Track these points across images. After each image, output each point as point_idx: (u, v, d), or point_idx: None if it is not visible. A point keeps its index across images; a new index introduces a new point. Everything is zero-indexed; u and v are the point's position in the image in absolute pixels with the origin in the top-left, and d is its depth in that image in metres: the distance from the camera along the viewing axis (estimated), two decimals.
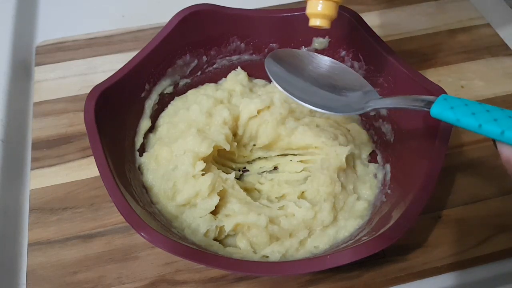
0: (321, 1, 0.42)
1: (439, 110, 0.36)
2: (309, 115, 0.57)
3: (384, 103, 0.44)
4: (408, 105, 0.40)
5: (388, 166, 0.52)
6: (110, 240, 0.50)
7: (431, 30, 0.71)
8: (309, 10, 0.42)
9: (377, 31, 0.53)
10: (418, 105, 0.38)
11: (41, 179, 0.55)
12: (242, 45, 0.59)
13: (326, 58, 0.50)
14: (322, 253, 0.46)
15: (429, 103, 0.37)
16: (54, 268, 0.48)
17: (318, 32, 0.56)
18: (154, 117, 0.56)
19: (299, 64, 0.50)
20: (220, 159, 0.55)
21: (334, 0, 0.41)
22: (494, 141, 0.33)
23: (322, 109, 0.45)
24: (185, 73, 0.58)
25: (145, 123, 0.55)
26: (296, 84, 0.48)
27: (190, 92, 0.59)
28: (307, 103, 0.45)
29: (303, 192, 0.51)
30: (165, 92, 0.57)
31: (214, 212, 0.48)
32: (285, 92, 0.46)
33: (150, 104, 0.55)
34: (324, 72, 0.49)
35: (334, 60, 0.50)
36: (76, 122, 0.60)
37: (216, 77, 0.61)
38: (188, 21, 0.54)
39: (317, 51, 0.58)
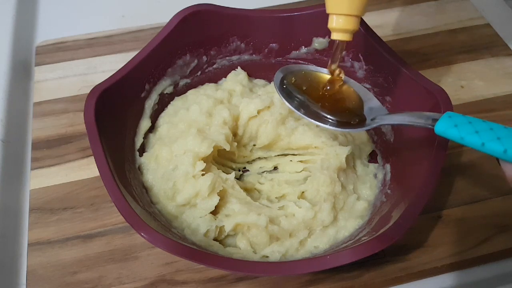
0: (342, 16, 0.42)
1: (443, 128, 0.36)
2: None
3: (391, 120, 0.44)
4: (413, 122, 0.41)
5: (388, 166, 0.52)
6: (110, 240, 0.50)
7: (431, 30, 0.71)
8: (330, 25, 0.43)
9: (377, 31, 0.53)
10: (423, 123, 0.39)
11: (41, 179, 0.55)
12: (242, 45, 0.59)
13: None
14: (322, 253, 0.46)
15: (434, 121, 0.38)
16: (54, 268, 0.48)
17: (318, 32, 0.56)
18: (154, 117, 0.56)
19: (308, 80, 0.50)
20: (220, 159, 0.55)
21: (354, 14, 0.42)
22: (498, 159, 0.34)
23: (328, 125, 0.46)
24: (185, 73, 0.58)
25: (145, 123, 0.55)
26: (304, 101, 0.49)
27: (190, 92, 0.59)
28: (315, 120, 0.46)
29: (303, 192, 0.51)
30: (165, 92, 0.57)
31: (214, 212, 0.48)
32: (295, 111, 0.47)
33: (150, 104, 0.55)
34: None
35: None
36: (76, 122, 0.60)
37: (216, 77, 0.61)
38: (188, 21, 0.54)
39: (317, 51, 0.58)
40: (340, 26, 0.42)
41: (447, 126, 0.36)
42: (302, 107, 0.48)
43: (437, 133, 0.37)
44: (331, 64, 0.47)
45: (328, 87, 0.49)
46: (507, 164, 0.33)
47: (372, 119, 0.46)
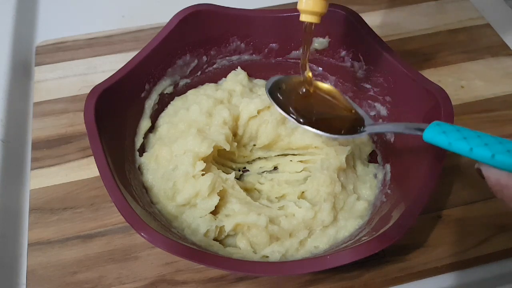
0: None
1: (432, 134, 0.37)
2: None
3: (378, 129, 0.47)
4: (401, 131, 0.42)
5: (388, 166, 0.52)
6: (110, 240, 0.50)
7: (431, 30, 0.71)
8: (299, 6, 0.44)
9: (377, 31, 0.53)
10: (411, 131, 0.41)
11: (41, 179, 0.55)
12: (242, 45, 0.59)
13: (323, 83, 0.53)
14: (322, 253, 0.46)
15: (422, 130, 0.38)
16: (54, 268, 0.48)
17: (318, 32, 0.56)
18: (154, 117, 0.56)
19: (298, 89, 0.52)
20: (220, 159, 0.55)
21: None
22: (479, 171, 0.34)
23: (320, 130, 0.47)
24: (185, 73, 0.58)
25: (145, 123, 0.55)
26: (295, 107, 0.50)
27: (190, 92, 0.59)
28: (307, 126, 0.48)
29: (303, 192, 0.51)
30: (165, 92, 0.57)
31: (214, 212, 0.48)
32: (285, 115, 0.49)
33: (150, 104, 0.55)
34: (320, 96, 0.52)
35: (331, 87, 0.53)
36: (76, 122, 0.60)
37: (216, 77, 0.61)
38: (188, 21, 0.54)
39: (317, 51, 0.58)
40: (309, 8, 0.44)
41: (436, 133, 0.37)
42: (295, 114, 0.50)
43: (425, 140, 0.38)
44: (303, 49, 0.48)
45: (304, 87, 0.51)
46: (490, 170, 0.33)
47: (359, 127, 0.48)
